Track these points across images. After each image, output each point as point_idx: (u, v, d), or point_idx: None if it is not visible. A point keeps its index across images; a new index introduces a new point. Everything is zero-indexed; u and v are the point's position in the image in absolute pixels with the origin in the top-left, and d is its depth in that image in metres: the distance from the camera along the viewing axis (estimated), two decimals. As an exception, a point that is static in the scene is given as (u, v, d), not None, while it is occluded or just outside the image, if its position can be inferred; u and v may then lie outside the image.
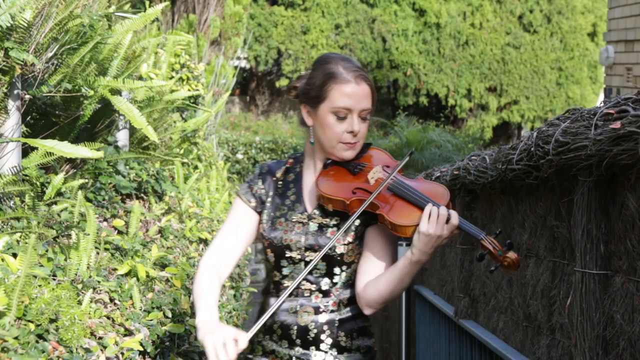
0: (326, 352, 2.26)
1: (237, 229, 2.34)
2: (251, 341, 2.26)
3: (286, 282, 2.29)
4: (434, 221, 2.09)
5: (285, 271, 2.30)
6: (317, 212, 2.29)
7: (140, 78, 5.22)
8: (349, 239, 2.27)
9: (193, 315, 3.78)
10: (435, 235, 2.10)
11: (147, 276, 3.49)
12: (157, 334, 3.16)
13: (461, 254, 3.85)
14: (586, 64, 18.03)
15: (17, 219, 3.15)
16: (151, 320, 3.19)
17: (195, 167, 6.28)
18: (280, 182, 2.35)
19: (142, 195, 4.57)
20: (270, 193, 2.34)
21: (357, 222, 2.27)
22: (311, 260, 2.24)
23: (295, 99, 2.37)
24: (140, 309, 3.22)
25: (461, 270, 3.84)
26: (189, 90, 6.47)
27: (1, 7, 3.06)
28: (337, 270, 2.28)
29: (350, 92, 2.21)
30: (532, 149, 2.52)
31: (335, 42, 17.08)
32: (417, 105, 17.60)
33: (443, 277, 4.58)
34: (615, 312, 2.19)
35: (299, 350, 2.27)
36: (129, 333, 3.05)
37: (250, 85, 18.31)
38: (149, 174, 4.68)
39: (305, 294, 2.27)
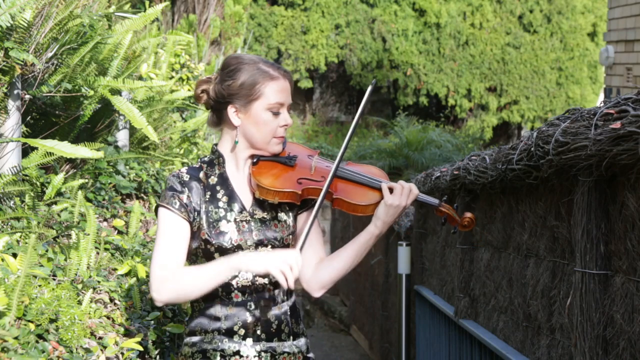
0: (286, 341, 2.34)
1: (179, 241, 2.27)
2: (202, 350, 2.30)
3: (238, 282, 2.29)
4: (398, 193, 2.29)
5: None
6: (255, 208, 2.34)
7: (140, 78, 5.22)
8: (292, 228, 2.38)
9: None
10: (401, 206, 2.29)
11: (147, 276, 3.49)
12: (157, 334, 3.16)
13: (461, 254, 3.85)
14: (586, 64, 18.03)
15: (17, 219, 3.15)
16: (151, 320, 3.19)
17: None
18: (206, 188, 2.33)
19: (142, 195, 4.57)
20: (201, 199, 2.31)
21: (292, 211, 2.39)
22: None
23: (204, 103, 2.38)
24: (140, 309, 3.22)
25: (461, 270, 3.84)
26: (189, 90, 6.47)
27: (1, 7, 3.06)
28: None
29: (282, 88, 2.31)
30: (532, 149, 2.52)
31: (335, 42, 17.08)
32: (417, 105, 17.60)
33: (443, 277, 4.58)
34: (615, 312, 2.19)
35: (264, 344, 2.31)
36: (129, 333, 3.05)
37: (250, 85, 18.30)
38: (149, 174, 4.68)
39: (259, 289, 2.31)
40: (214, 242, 2.29)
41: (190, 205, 2.29)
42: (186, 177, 2.33)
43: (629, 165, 2.09)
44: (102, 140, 4.24)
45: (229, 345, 2.29)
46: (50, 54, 3.50)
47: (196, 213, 2.30)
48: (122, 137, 4.56)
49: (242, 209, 2.33)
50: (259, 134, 2.31)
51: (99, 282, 3.15)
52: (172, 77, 6.31)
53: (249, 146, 2.34)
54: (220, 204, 2.32)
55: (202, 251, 2.30)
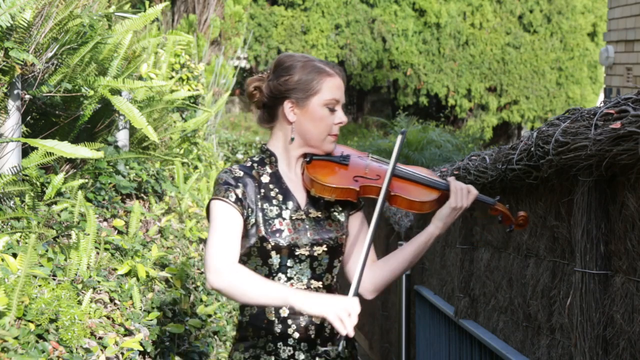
0: (338, 345, 2.30)
1: (233, 231, 2.22)
2: (255, 356, 2.26)
3: (293, 285, 2.26)
4: (460, 194, 2.31)
5: (290, 273, 2.26)
6: (310, 206, 2.31)
7: (140, 78, 5.22)
8: (345, 228, 2.36)
9: (193, 315, 3.78)
10: (462, 207, 2.32)
11: (147, 276, 3.49)
12: (157, 334, 3.16)
13: (461, 254, 3.85)
14: (586, 64, 18.04)
15: (17, 219, 3.15)
16: (151, 320, 3.19)
17: (195, 167, 6.28)
18: (259, 185, 2.29)
19: (142, 195, 4.57)
20: (256, 196, 2.27)
21: (345, 212, 2.37)
22: (319, 254, 2.28)
23: (255, 101, 2.35)
24: (140, 309, 3.22)
25: (461, 270, 3.84)
26: (189, 90, 6.47)
27: (1, 7, 3.06)
28: (335, 262, 2.33)
29: (338, 85, 2.30)
30: (532, 149, 2.52)
31: (335, 42, 17.08)
32: (417, 105, 17.60)
33: (443, 277, 4.58)
34: (615, 312, 2.19)
35: (318, 349, 2.27)
36: (129, 333, 3.05)
37: (250, 85, 18.30)
38: (149, 174, 4.68)
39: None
40: (270, 240, 2.24)
41: (245, 200, 2.24)
42: (239, 173, 2.28)
43: (629, 165, 2.09)
44: (102, 140, 4.24)
45: (283, 349, 2.25)
46: (50, 54, 3.50)
47: (250, 210, 2.25)
48: (122, 137, 4.56)
49: (297, 207, 2.29)
50: (315, 130, 2.28)
51: (99, 282, 3.15)
52: (172, 77, 6.31)
53: (302, 144, 2.31)
54: (275, 202, 2.28)
55: (257, 250, 2.25)
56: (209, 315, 4.01)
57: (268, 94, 2.31)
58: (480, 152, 3.48)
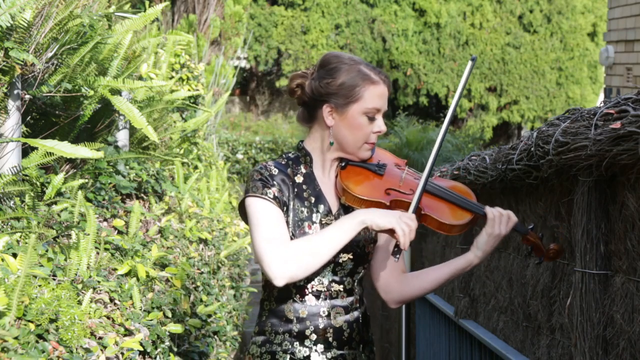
0: (356, 349, 2.30)
1: (281, 223, 2.17)
2: (271, 352, 2.25)
3: (314, 286, 2.25)
4: (498, 221, 2.25)
5: (312, 275, 2.23)
6: (341, 212, 2.28)
7: (140, 78, 5.22)
8: (372, 236, 2.33)
9: (193, 315, 3.79)
10: (501, 235, 2.26)
11: (147, 276, 3.50)
12: (157, 334, 3.16)
13: (461, 254, 3.85)
14: (586, 64, 18.04)
15: (17, 219, 3.15)
16: (151, 320, 3.19)
17: (195, 167, 6.28)
18: (293, 184, 2.25)
19: (142, 195, 4.57)
20: (290, 195, 2.23)
21: None
22: (344, 262, 2.26)
23: (297, 98, 2.30)
24: (140, 309, 3.22)
25: (461, 270, 3.84)
26: (189, 90, 6.47)
27: (1, 7, 3.06)
28: (359, 269, 2.31)
29: (381, 93, 2.24)
30: (532, 149, 2.52)
31: (335, 42, 17.08)
32: (417, 105, 17.60)
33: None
34: (615, 312, 2.19)
35: (335, 352, 2.26)
36: (129, 333, 3.05)
37: (250, 85, 18.31)
38: (149, 174, 4.68)
39: (333, 295, 2.27)
40: None
41: (281, 198, 2.20)
42: (275, 171, 2.23)
43: (629, 165, 2.09)
44: (102, 140, 4.24)
45: (299, 349, 2.24)
46: (50, 54, 3.50)
47: (285, 208, 2.22)
48: (122, 137, 4.56)
49: (329, 211, 2.27)
50: (351, 137, 2.24)
51: (99, 282, 3.15)
52: (172, 77, 6.31)
53: (338, 149, 2.27)
54: (307, 203, 2.25)
55: None
56: (209, 315, 4.01)
57: (309, 93, 2.26)
58: (480, 152, 3.48)
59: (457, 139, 11.94)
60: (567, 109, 2.40)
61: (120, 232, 3.90)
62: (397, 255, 2.14)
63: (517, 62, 17.63)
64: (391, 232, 2.11)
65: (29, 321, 2.61)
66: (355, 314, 2.30)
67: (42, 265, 2.96)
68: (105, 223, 3.89)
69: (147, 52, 5.64)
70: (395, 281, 2.36)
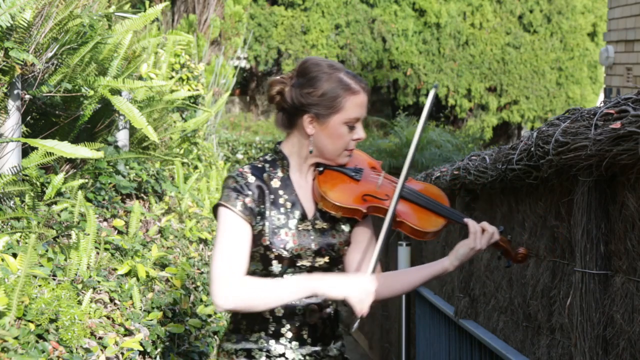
0: (329, 345, 2.34)
1: (242, 245, 2.20)
2: (247, 349, 2.28)
3: None
4: (479, 237, 2.28)
5: (287, 276, 2.26)
6: (317, 217, 2.29)
7: (140, 78, 5.22)
8: (347, 239, 2.34)
9: (193, 315, 3.78)
10: (482, 249, 2.29)
11: (147, 276, 3.49)
12: (157, 334, 3.16)
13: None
14: (586, 64, 18.03)
15: (17, 219, 3.15)
16: (151, 320, 3.19)
17: (195, 167, 6.28)
18: (269, 190, 2.26)
19: (142, 195, 4.56)
20: (265, 203, 2.24)
21: (351, 224, 2.34)
22: (319, 265, 2.28)
23: (276, 104, 2.30)
24: (140, 309, 3.22)
25: (461, 270, 3.84)
26: (189, 90, 6.46)
27: (1, 7, 3.06)
28: (334, 269, 2.33)
29: (362, 102, 2.24)
30: (532, 149, 2.52)
31: (335, 42, 17.08)
32: (417, 105, 17.59)
33: (443, 277, 4.58)
34: (615, 312, 2.19)
35: (309, 348, 2.29)
36: (129, 333, 3.05)
37: (250, 85, 18.31)
38: (149, 174, 4.68)
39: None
40: (274, 250, 2.22)
41: (255, 209, 2.21)
42: (251, 179, 2.23)
43: (629, 165, 2.09)
44: (102, 140, 4.24)
45: (275, 347, 2.26)
46: (50, 54, 3.50)
47: (259, 217, 2.22)
48: (122, 137, 4.56)
49: (304, 217, 2.27)
50: (332, 146, 2.25)
51: (99, 282, 3.15)
52: (172, 77, 6.31)
53: (318, 155, 2.28)
54: (282, 209, 2.25)
55: (260, 255, 2.24)
56: (209, 315, 4.01)
57: (289, 102, 2.25)
58: (480, 152, 3.48)
59: (457, 139, 11.93)
60: (567, 109, 2.39)
61: (120, 232, 3.90)
62: (354, 325, 2.19)
63: (517, 62, 17.62)
64: (343, 301, 2.15)
65: (29, 321, 2.61)
66: (328, 310, 2.34)
67: (42, 265, 2.96)
68: (105, 223, 3.89)
69: (147, 52, 5.64)
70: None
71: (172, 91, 5.60)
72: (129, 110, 3.67)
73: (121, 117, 4.35)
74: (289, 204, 2.26)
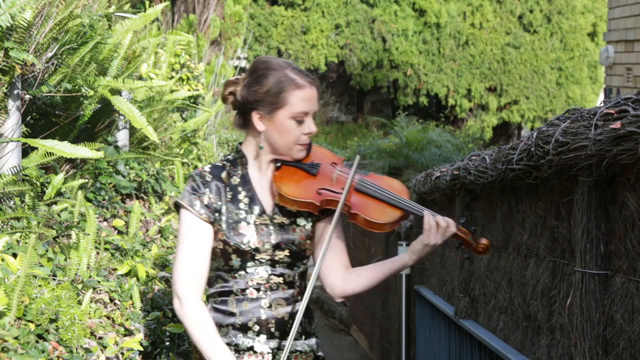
0: (298, 339, 2.39)
1: (200, 246, 2.29)
2: None
3: (253, 280, 2.32)
4: (434, 232, 2.29)
5: (250, 270, 2.32)
6: (275, 212, 2.35)
7: (140, 78, 5.22)
8: (310, 233, 2.39)
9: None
10: (437, 244, 2.31)
11: (147, 276, 3.50)
12: (157, 334, 3.16)
13: (461, 254, 3.85)
14: (586, 64, 18.04)
15: (17, 219, 3.15)
16: (151, 320, 3.19)
17: (195, 167, 6.28)
18: (228, 187, 2.34)
19: (142, 195, 4.57)
20: (222, 199, 2.31)
21: (312, 219, 2.39)
22: (280, 258, 2.33)
23: (231, 104, 2.38)
24: (140, 309, 3.22)
25: (461, 270, 3.84)
26: (189, 90, 6.46)
27: (1, 7, 3.06)
28: (299, 263, 2.39)
29: (307, 96, 2.29)
30: (532, 149, 2.52)
31: (335, 42, 17.08)
32: (417, 105, 17.60)
33: (443, 277, 4.58)
34: (615, 312, 2.19)
35: (277, 341, 2.33)
36: (129, 333, 3.05)
37: (250, 85, 18.32)
38: (149, 174, 4.68)
39: (274, 288, 2.34)
40: (232, 244, 2.30)
41: (211, 206, 2.29)
42: (209, 177, 2.32)
43: (629, 165, 2.09)
44: (102, 140, 4.24)
45: (242, 341, 2.31)
46: (50, 54, 3.50)
47: (217, 214, 2.30)
48: (122, 137, 4.56)
49: (263, 212, 2.34)
50: (282, 141, 2.30)
51: (99, 282, 3.16)
52: (172, 77, 6.31)
53: (271, 151, 2.34)
54: (242, 205, 2.32)
55: (220, 251, 2.31)
56: (209, 315, 4.01)
57: (240, 100, 2.34)
58: (480, 152, 3.48)
59: (457, 139, 11.93)
60: (567, 109, 2.40)
61: (120, 232, 3.90)
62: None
63: (517, 62, 17.63)
64: None
65: (29, 321, 2.61)
66: (296, 305, 2.37)
67: (42, 265, 2.97)
68: (105, 223, 3.90)
69: (147, 52, 5.64)
70: (339, 278, 2.42)
71: (172, 91, 5.60)
72: (129, 110, 3.67)
73: (121, 117, 4.35)
74: (247, 200, 2.33)
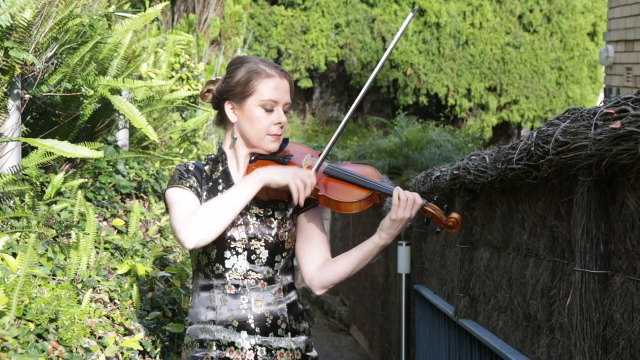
0: (282, 337, 2.37)
1: (194, 204, 2.32)
2: (200, 340, 2.35)
3: (231, 275, 2.34)
4: (403, 206, 2.29)
5: (228, 264, 2.34)
6: (252, 203, 2.37)
7: (140, 77, 5.22)
8: (288, 225, 2.41)
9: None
10: (405, 218, 2.30)
11: (147, 276, 3.50)
12: (157, 333, 3.16)
13: (461, 254, 3.85)
14: (586, 63, 18.03)
15: (17, 218, 3.15)
16: (151, 319, 3.19)
17: (195, 167, 6.27)
18: (210, 180, 2.40)
19: (142, 194, 4.57)
20: (203, 187, 2.38)
21: (292, 210, 2.41)
22: (256, 249, 2.35)
23: (210, 102, 2.46)
24: (140, 309, 3.22)
25: (461, 269, 3.84)
26: (188, 89, 6.47)
27: (1, 6, 3.06)
28: (278, 257, 2.39)
29: (276, 85, 2.35)
30: (532, 148, 2.52)
31: (335, 41, 17.08)
32: (417, 104, 17.60)
33: (443, 277, 4.58)
34: (615, 312, 2.19)
35: (259, 338, 2.34)
36: (128, 333, 3.05)
37: (250, 85, 18.31)
38: (148, 174, 4.68)
39: (252, 284, 2.35)
40: None
41: (195, 188, 2.36)
42: (191, 167, 2.40)
43: (628, 165, 2.09)
44: (102, 140, 4.24)
45: (224, 336, 2.33)
46: (50, 54, 3.50)
47: (200, 199, 2.35)
48: (121, 136, 4.56)
49: None
50: (252, 130, 2.36)
51: (98, 281, 3.16)
52: (172, 77, 6.31)
53: (245, 144, 2.40)
54: (219, 195, 2.36)
55: None
56: (209, 315, 4.01)
57: (215, 95, 2.42)
58: (480, 151, 3.48)
59: (457, 139, 11.93)
60: (567, 108, 2.39)
61: (120, 232, 3.90)
62: (289, 210, 2.35)
63: (517, 62, 17.63)
64: (287, 188, 2.26)
65: (28, 321, 2.61)
66: (281, 303, 2.38)
67: (41, 265, 2.97)
68: (105, 222, 3.90)
69: (147, 52, 5.64)
70: (316, 268, 2.43)
71: (172, 91, 5.60)
72: (128, 110, 3.67)
73: (121, 117, 4.35)
74: (225, 192, 2.37)
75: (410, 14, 2.34)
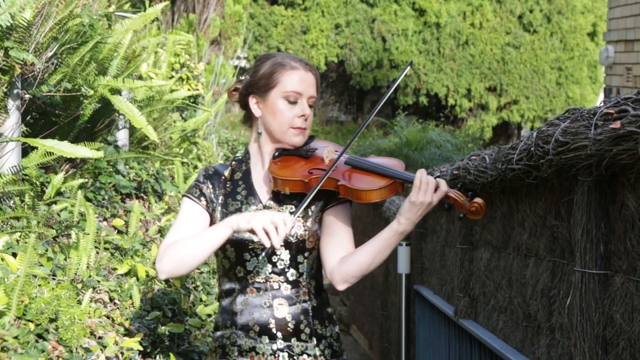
0: (306, 342, 2.30)
1: (193, 225, 2.31)
2: (222, 345, 2.32)
3: (253, 278, 2.30)
4: (424, 189, 2.18)
5: (249, 266, 2.29)
6: (272, 202, 2.33)
7: (140, 77, 5.22)
8: (309, 224, 2.33)
9: (193, 314, 3.79)
10: (426, 203, 2.18)
11: (147, 276, 3.50)
12: (157, 333, 3.16)
13: (461, 254, 3.85)
14: (586, 63, 18.04)
15: (17, 218, 3.15)
16: (151, 320, 3.19)
17: (195, 167, 6.28)
18: (229, 182, 2.37)
19: (142, 194, 4.57)
20: (221, 192, 2.35)
21: (314, 208, 2.34)
22: (278, 250, 2.28)
23: (237, 101, 2.44)
24: (140, 309, 3.22)
25: (461, 270, 3.84)
26: (188, 89, 6.47)
27: (1, 6, 3.06)
28: (300, 258, 2.32)
29: (300, 77, 2.32)
30: (532, 148, 2.52)
31: (335, 41, 17.08)
32: (417, 105, 17.60)
33: (443, 277, 4.58)
34: (615, 312, 2.19)
35: (281, 343, 2.28)
36: (128, 333, 3.05)
37: (250, 85, 18.32)
38: (148, 174, 4.68)
39: (275, 287, 2.30)
40: None
41: (208, 196, 2.34)
42: (211, 171, 2.39)
43: (628, 165, 2.09)
44: (102, 140, 4.24)
45: (245, 341, 2.28)
46: (50, 54, 3.50)
47: (213, 205, 2.34)
48: (122, 136, 4.56)
49: (259, 202, 2.33)
50: (275, 123, 2.32)
51: (98, 281, 3.16)
52: (172, 77, 6.31)
53: (269, 139, 2.36)
54: (239, 197, 2.34)
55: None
56: (209, 315, 4.02)
57: (241, 92, 2.40)
58: (480, 151, 3.48)
59: (457, 139, 11.93)
60: (567, 108, 2.39)
61: (120, 232, 3.90)
62: (262, 255, 2.20)
63: (517, 62, 17.63)
64: (252, 232, 2.17)
65: (28, 321, 2.61)
66: (304, 306, 2.31)
67: (41, 265, 2.97)
68: (105, 222, 3.90)
69: (147, 52, 5.64)
70: (337, 260, 2.33)
71: (172, 91, 5.60)
72: (128, 110, 3.67)
73: (121, 117, 4.35)
74: (245, 192, 2.36)
75: (408, 67, 2.39)
